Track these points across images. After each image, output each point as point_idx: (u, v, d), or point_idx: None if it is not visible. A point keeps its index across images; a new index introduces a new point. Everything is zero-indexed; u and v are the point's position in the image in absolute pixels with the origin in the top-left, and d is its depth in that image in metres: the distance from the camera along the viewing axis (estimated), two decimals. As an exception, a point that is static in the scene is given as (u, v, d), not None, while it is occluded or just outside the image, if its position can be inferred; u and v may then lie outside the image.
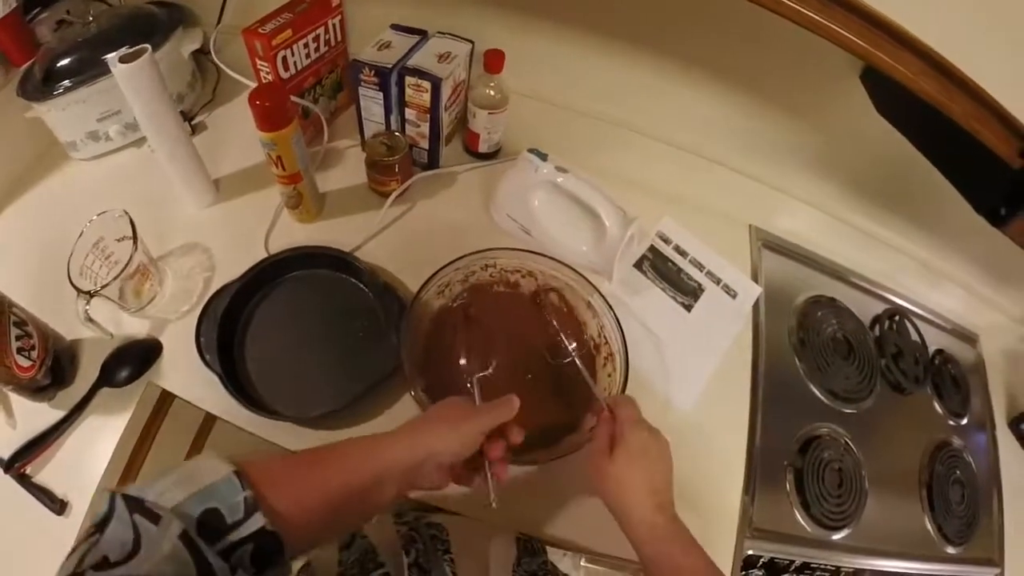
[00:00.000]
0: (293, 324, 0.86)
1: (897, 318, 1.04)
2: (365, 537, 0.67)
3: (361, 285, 0.88)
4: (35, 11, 0.96)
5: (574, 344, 0.80)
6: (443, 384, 0.80)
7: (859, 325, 1.02)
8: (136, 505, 0.36)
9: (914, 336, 1.04)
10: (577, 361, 0.75)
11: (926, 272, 1.13)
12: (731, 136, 1.04)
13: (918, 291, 1.11)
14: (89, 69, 0.91)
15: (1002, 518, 0.95)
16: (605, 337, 0.83)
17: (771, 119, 0.98)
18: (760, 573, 0.80)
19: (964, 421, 1.01)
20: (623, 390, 0.75)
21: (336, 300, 0.88)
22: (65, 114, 0.93)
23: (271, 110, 0.77)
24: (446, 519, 0.71)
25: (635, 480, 0.58)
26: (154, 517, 0.35)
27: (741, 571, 0.78)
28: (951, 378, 1.03)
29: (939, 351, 1.06)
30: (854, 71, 0.82)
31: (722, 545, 0.78)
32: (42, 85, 0.91)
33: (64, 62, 0.91)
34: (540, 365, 0.83)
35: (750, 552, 0.79)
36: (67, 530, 0.72)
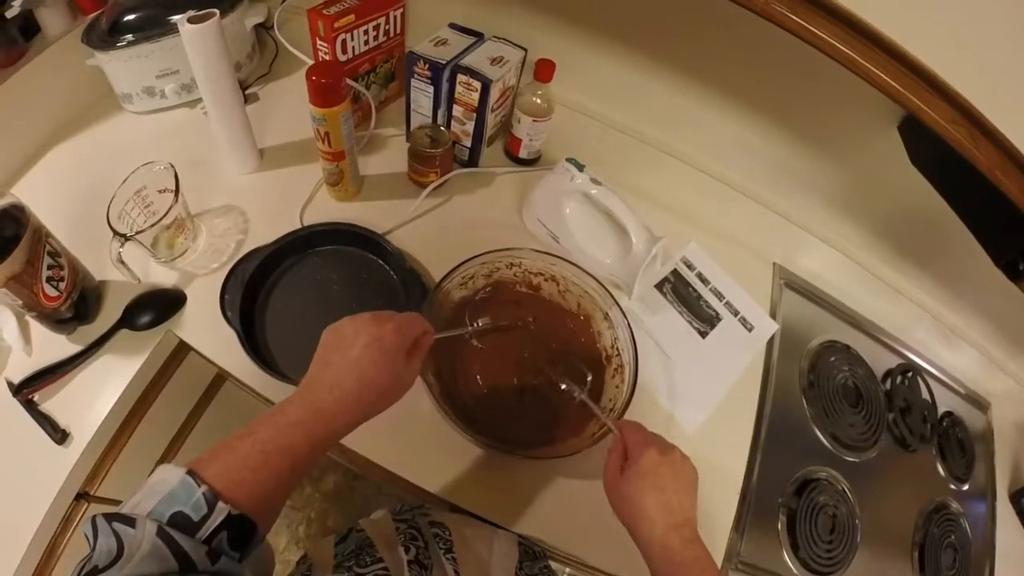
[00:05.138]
0: (315, 295, 0.88)
1: (910, 374, 1.03)
2: (362, 531, 0.67)
3: (388, 267, 0.91)
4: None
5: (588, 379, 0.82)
6: (452, 371, 0.82)
7: (871, 375, 1.01)
8: (113, 516, 0.38)
9: (925, 394, 1.03)
10: (587, 400, 0.75)
11: (945, 331, 1.13)
12: (767, 170, 1.05)
13: (934, 349, 1.11)
14: (155, 27, 0.95)
15: (992, 590, 0.93)
16: (618, 349, 0.83)
17: (808, 158, 1.00)
18: (742, 608, 0.79)
19: (965, 487, 1.00)
20: (628, 402, 0.76)
21: (361, 278, 0.90)
22: (125, 66, 0.97)
23: (326, 87, 0.80)
24: (448, 518, 0.71)
25: (646, 501, 0.57)
26: (130, 522, 0.38)
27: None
28: (957, 441, 1.02)
29: (948, 413, 1.05)
30: (893, 120, 0.84)
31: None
32: (107, 35, 0.94)
33: (131, 16, 0.95)
34: (551, 365, 0.83)
35: (734, 585, 0.78)
36: (64, 460, 0.74)
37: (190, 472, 0.41)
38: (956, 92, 0.58)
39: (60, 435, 0.74)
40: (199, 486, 0.40)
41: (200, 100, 1.02)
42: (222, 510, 0.40)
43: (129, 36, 0.94)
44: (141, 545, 0.37)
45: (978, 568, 0.95)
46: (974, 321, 1.12)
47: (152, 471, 0.43)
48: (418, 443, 0.77)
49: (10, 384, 0.76)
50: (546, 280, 0.89)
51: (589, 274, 0.86)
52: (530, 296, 0.90)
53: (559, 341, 0.87)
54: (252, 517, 0.42)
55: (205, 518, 0.40)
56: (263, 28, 1.12)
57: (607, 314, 0.85)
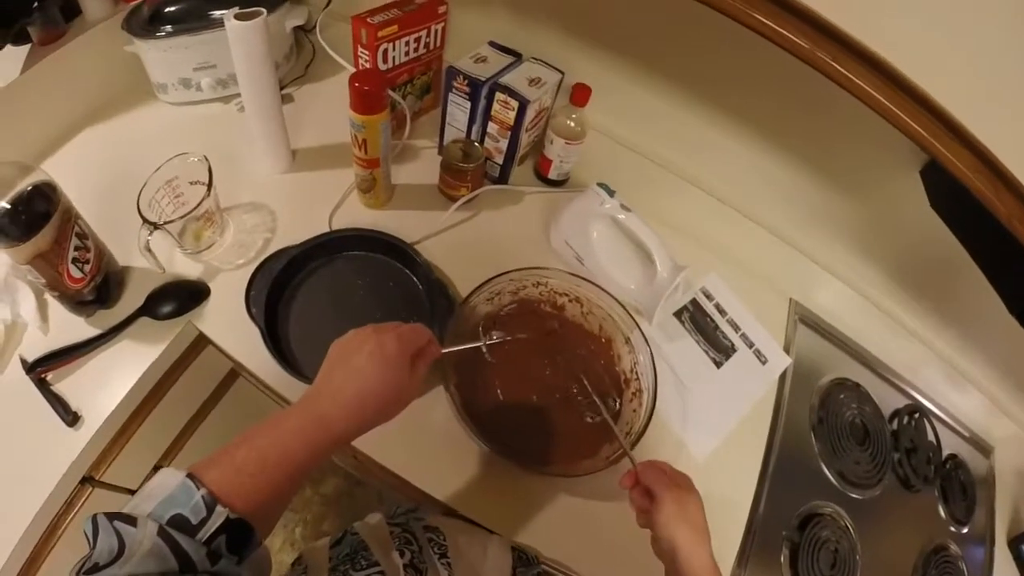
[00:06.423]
0: (340, 299, 0.88)
1: (916, 415, 1.05)
2: (356, 534, 0.68)
3: (414, 277, 0.91)
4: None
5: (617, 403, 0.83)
6: (473, 383, 0.82)
7: (878, 414, 1.03)
8: (115, 515, 0.39)
9: (930, 436, 1.05)
10: (610, 422, 0.76)
11: (953, 374, 1.15)
12: (788, 206, 1.07)
13: (942, 392, 1.13)
14: (196, 20, 0.96)
15: (988, 635, 0.95)
16: (637, 373, 0.85)
17: (830, 197, 1.01)
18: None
19: (965, 530, 1.01)
20: (645, 428, 0.77)
21: (387, 286, 0.90)
22: (164, 56, 0.97)
23: (369, 94, 0.81)
24: (442, 523, 0.72)
25: (684, 536, 0.59)
26: (132, 521, 0.38)
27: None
28: (960, 484, 1.04)
29: (952, 455, 1.07)
30: (915, 164, 0.86)
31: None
32: (148, 24, 0.95)
33: (174, 8, 0.96)
34: (570, 387, 0.84)
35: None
36: (73, 443, 0.73)
37: (190, 476, 0.42)
38: (980, 142, 0.60)
39: (71, 417, 0.73)
40: (198, 489, 0.41)
41: (235, 96, 1.04)
42: (220, 513, 0.41)
43: (169, 27, 0.95)
44: (142, 544, 0.37)
45: (975, 612, 0.96)
46: (983, 366, 1.14)
47: (154, 471, 0.43)
48: (430, 450, 0.77)
49: (24, 361, 0.75)
50: (570, 301, 0.90)
51: (613, 297, 0.87)
52: (553, 316, 0.91)
53: (580, 362, 0.87)
54: (250, 521, 0.43)
55: (204, 521, 0.40)
56: (302, 31, 1.13)
57: (628, 338, 0.86)
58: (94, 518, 0.39)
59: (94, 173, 0.91)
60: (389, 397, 0.54)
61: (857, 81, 0.64)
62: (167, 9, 0.95)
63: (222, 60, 0.98)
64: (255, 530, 0.43)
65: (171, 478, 0.41)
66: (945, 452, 1.06)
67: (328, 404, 0.51)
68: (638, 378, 0.85)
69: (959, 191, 0.65)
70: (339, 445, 0.52)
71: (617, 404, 0.85)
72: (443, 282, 0.89)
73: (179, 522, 0.39)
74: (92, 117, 0.99)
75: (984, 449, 1.14)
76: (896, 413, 1.06)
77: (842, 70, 0.64)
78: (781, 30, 0.61)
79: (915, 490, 0.99)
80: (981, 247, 0.78)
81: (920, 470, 0.99)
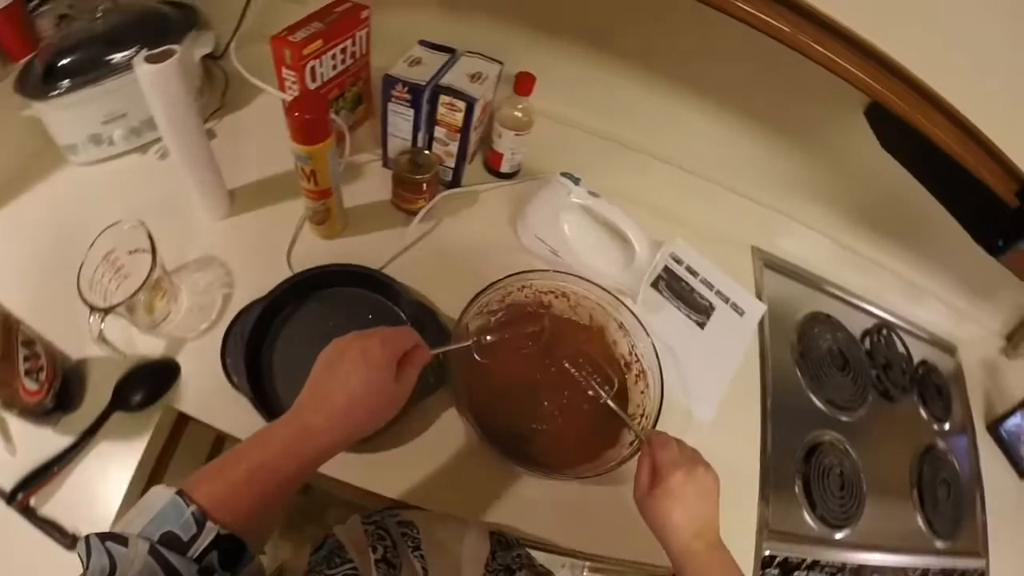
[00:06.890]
0: (323, 344, 0.82)
1: (884, 332, 1.13)
2: (334, 536, 0.67)
3: (392, 303, 0.86)
4: (35, 3, 0.89)
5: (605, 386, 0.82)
6: (486, 398, 0.80)
7: (851, 339, 1.10)
8: (106, 535, 0.39)
9: (900, 348, 1.14)
10: (611, 403, 0.77)
11: (910, 289, 1.24)
12: (739, 162, 1.10)
13: (902, 306, 1.22)
14: (95, 69, 0.85)
15: (985, 513, 1.05)
16: (637, 355, 0.85)
17: (779, 148, 1.04)
18: (775, 572, 0.85)
19: (947, 426, 1.11)
20: (660, 407, 0.78)
21: (367, 318, 0.85)
22: (67, 114, 0.87)
23: (312, 122, 0.75)
24: (416, 516, 0.72)
25: (673, 515, 0.61)
26: (123, 540, 0.39)
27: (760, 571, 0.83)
28: (934, 386, 1.13)
29: (923, 362, 1.16)
30: (859, 107, 0.90)
31: (744, 547, 0.83)
32: (42, 83, 0.83)
33: (68, 59, 0.84)
34: (574, 383, 0.83)
35: (767, 552, 0.84)
36: (80, 567, 0.66)
37: (180, 492, 0.42)
38: (947, 100, 0.62)
39: (70, 540, 0.66)
40: (188, 506, 0.41)
41: (152, 143, 0.95)
42: (211, 530, 0.41)
43: (67, 81, 0.83)
44: (133, 563, 0.38)
45: (970, 495, 1.06)
46: (938, 277, 1.23)
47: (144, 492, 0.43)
48: (424, 471, 0.76)
49: (1, 492, 0.67)
50: (556, 297, 0.89)
51: (598, 285, 0.87)
52: (543, 315, 0.90)
53: (577, 353, 0.87)
54: (241, 536, 0.43)
55: (195, 537, 0.40)
56: (211, 58, 1.03)
57: (621, 323, 0.86)
58: (87, 539, 0.39)
59: (20, 262, 0.81)
60: (375, 403, 0.54)
61: (829, 55, 0.64)
62: (61, 62, 0.84)
63: (132, 107, 0.88)
64: (247, 545, 0.43)
65: (162, 495, 0.42)
66: (916, 360, 1.15)
67: (313, 415, 0.51)
68: (638, 360, 0.85)
69: (907, 132, 0.67)
70: (328, 455, 0.52)
71: (614, 388, 0.85)
72: (423, 303, 0.86)
73: (170, 539, 0.40)
74: (1, 199, 0.87)
75: (948, 349, 1.24)
76: (866, 333, 1.14)
77: (813, 44, 0.64)
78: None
79: (896, 401, 1.07)
80: (939, 184, 0.82)
81: (897, 381, 1.08)
